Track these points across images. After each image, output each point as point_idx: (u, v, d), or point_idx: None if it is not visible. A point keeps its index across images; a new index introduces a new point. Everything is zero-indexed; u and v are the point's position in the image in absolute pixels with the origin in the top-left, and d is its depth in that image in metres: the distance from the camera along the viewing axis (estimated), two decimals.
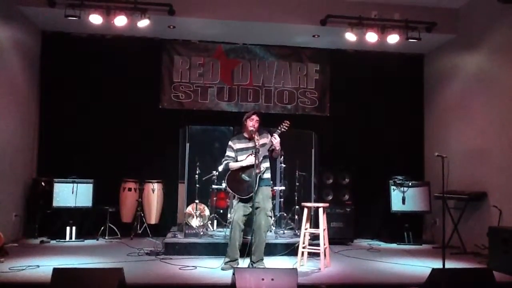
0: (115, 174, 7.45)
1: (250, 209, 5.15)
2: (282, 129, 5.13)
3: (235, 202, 5.34)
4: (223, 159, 5.38)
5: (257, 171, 5.02)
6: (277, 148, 5.13)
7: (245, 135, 5.33)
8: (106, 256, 5.75)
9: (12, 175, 6.72)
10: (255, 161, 5.00)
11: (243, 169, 5.20)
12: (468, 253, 6.51)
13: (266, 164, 5.26)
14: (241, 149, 5.28)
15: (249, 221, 5.20)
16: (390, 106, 8.23)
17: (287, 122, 5.17)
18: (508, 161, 6.21)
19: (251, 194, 5.04)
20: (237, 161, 5.27)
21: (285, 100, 8.24)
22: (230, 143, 5.38)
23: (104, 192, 7.21)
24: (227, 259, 5.21)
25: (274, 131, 5.16)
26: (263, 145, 5.15)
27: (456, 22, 7.42)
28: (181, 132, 6.89)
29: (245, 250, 5.20)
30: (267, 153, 5.22)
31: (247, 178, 5.15)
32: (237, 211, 5.19)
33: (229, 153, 5.35)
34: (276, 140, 5.08)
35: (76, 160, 7.39)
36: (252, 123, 5.22)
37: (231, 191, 5.35)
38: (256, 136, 5.12)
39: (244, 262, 5.20)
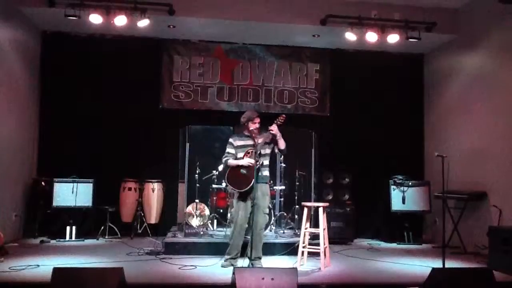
0: (115, 174, 7.45)
1: (250, 208, 5.18)
2: (278, 122, 5.19)
3: (235, 201, 5.36)
4: (224, 156, 5.42)
5: (254, 163, 5.07)
6: (277, 134, 5.14)
7: (246, 133, 5.36)
8: (106, 256, 5.75)
9: (12, 175, 6.72)
10: (254, 156, 5.08)
11: (241, 165, 5.24)
12: (468, 252, 6.51)
13: (265, 162, 5.30)
14: (241, 146, 5.33)
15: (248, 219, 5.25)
16: (390, 106, 8.23)
17: (283, 115, 5.24)
18: (508, 160, 6.21)
19: (249, 187, 5.09)
20: (236, 158, 5.31)
21: (285, 100, 8.23)
22: (230, 140, 5.43)
23: (104, 192, 7.21)
24: (227, 257, 5.25)
25: (270, 124, 5.22)
26: (262, 142, 5.20)
27: (456, 22, 7.42)
28: (181, 131, 6.89)
29: (245, 249, 5.22)
30: (267, 152, 5.29)
31: (244, 172, 5.19)
32: (239, 212, 5.23)
33: (229, 149, 5.39)
34: (273, 129, 5.12)
35: (76, 159, 7.37)
36: (255, 126, 5.28)
37: (231, 187, 5.39)
38: (257, 137, 5.21)
39: (244, 262, 5.20)
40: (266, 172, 5.32)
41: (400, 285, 4.62)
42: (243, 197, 5.24)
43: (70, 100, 7.63)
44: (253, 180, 5.05)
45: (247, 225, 5.25)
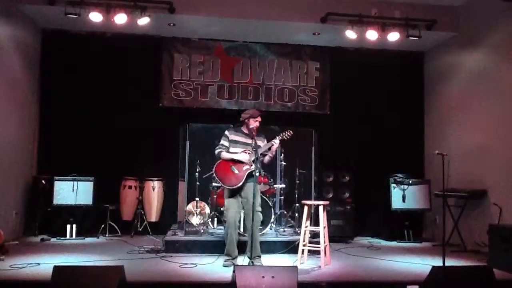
0: (116, 172, 7.45)
1: (242, 204, 5.25)
2: (284, 137, 5.18)
3: (226, 199, 5.35)
4: (217, 147, 5.39)
5: (248, 167, 5.07)
6: (272, 154, 5.20)
7: (244, 130, 5.35)
8: (107, 254, 5.75)
9: (13, 173, 6.73)
10: (251, 158, 5.07)
11: (234, 161, 5.24)
12: (468, 251, 6.51)
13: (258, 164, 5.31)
14: (236, 142, 5.32)
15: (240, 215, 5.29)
16: (391, 104, 8.22)
17: (291, 131, 5.21)
18: (508, 158, 6.21)
19: (238, 186, 5.14)
20: (229, 152, 5.30)
21: (286, 98, 8.23)
22: (226, 132, 5.42)
23: (105, 190, 7.21)
24: (227, 257, 5.25)
25: (277, 134, 5.20)
26: (258, 146, 5.18)
27: (456, 20, 7.41)
28: (181, 130, 6.89)
29: (243, 247, 5.22)
30: (259, 156, 5.26)
31: (236, 171, 5.19)
32: (231, 208, 5.25)
33: (223, 142, 5.38)
34: (275, 145, 5.13)
35: (77, 158, 7.37)
36: (256, 124, 5.27)
37: (218, 179, 5.37)
38: (255, 138, 5.19)
39: (244, 260, 5.21)
40: (257, 173, 5.31)
41: (400, 283, 4.62)
42: (233, 194, 5.25)
43: (70, 98, 7.62)
44: (242, 180, 5.08)
45: (238, 223, 5.26)
